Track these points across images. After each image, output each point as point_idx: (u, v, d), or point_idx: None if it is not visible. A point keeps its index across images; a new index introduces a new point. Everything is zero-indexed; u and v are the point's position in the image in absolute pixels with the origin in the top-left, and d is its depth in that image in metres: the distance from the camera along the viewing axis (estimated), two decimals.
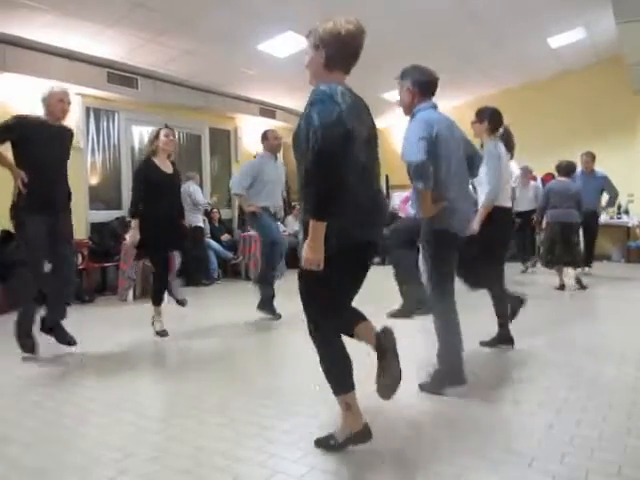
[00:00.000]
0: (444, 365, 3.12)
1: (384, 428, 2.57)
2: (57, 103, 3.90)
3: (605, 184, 7.71)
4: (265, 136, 5.49)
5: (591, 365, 3.66)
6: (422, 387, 3.15)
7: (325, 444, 2.44)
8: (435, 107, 3.13)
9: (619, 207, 9.66)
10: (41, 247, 3.85)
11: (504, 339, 3.97)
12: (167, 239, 4.62)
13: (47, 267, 4.02)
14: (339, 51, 2.26)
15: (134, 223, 4.49)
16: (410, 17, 6.61)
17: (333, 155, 2.04)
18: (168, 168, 4.68)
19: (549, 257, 6.60)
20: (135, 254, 4.93)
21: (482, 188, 3.85)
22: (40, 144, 3.81)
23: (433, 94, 3.15)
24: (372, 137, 2.38)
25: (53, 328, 4.02)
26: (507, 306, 3.95)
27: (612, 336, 4.53)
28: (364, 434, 2.37)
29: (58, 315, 4.02)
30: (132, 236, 4.46)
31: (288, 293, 6.31)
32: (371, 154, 2.36)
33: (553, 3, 7.11)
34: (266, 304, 5.29)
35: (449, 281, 3.18)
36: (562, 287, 6.63)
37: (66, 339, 4.03)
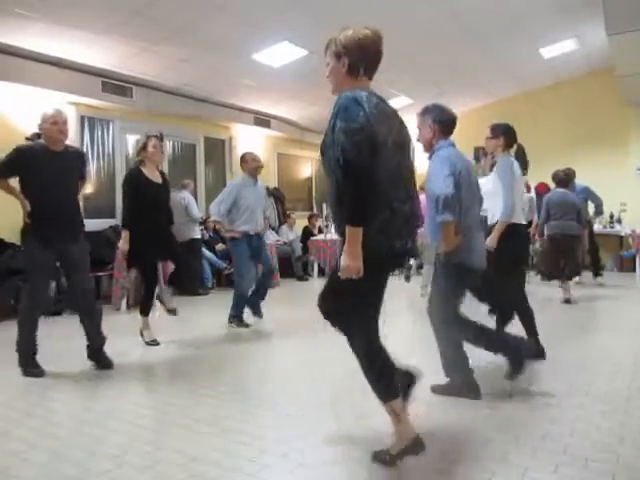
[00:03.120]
0: (457, 377, 3.20)
1: (373, 438, 2.55)
2: (51, 126, 3.74)
3: (588, 195, 7.73)
4: (244, 159, 5.49)
5: (585, 375, 3.67)
6: (436, 389, 3.23)
7: (381, 459, 2.34)
8: (454, 145, 3.23)
9: (611, 216, 9.72)
10: (42, 277, 3.78)
11: (537, 353, 3.89)
12: (155, 250, 4.58)
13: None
14: (361, 57, 2.27)
15: (124, 233, 4.47)
16: (404, 29, 6.66)
17: (361, 162, 2.01)
18: (157, 178, 4.64)
19: (551, 272, 6.54)
20: (126, 264, 4.87)
21: (493, 202, 3.82)
22: (41, 174, 3.70)
23: (452, 131, 3.25)
24: (403, 142, 2.33)
25: (94, 355, 3.98)
26: (533, 319, 3.97)
27: (606, 346, 4.55)
28: (416, 445, 2.30)
29: (96, 343, 3.97)
30: (122, 246, 4.46)
31: (279, 301, 6.35)
32: (402, 160, 2.30)
33: (545, 15, 7.19)
34: (235, 318, 5.39)
35: (458, 315, 3.22)
36: (568, 301, 6.53)
37: (106, 363, 3.97)
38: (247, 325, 5.40)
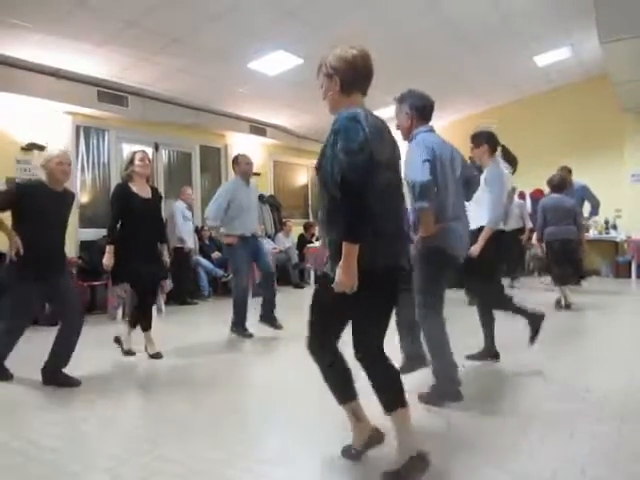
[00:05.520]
0: (441, 382, 3.16)
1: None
2: (56, 166, 3.80)
3: (585, 194, 7.67)
4: (236, 161, 5.50)
5: (581, 380, 3.67)
6: (421, 398, 3.17)
7: (347, 454, 2.48)
8: (432, 130, 3.22)
9: (607, 222, 9.76)
10: (25, 313, 3.87)
11: (491, 353, 4.06)
12: (145, 266, 4.46)
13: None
14: (352, 74, 2.29)
15: (109, 248, 4.38)
16: (397, 38, 6.71)
17: (360, 181, 2.05)
18: (146, 193, 4.55)
19: (557, 275, 6.52)
20: (111, 280, 4.78)
21: (481, 209, 3.85)
22: (41, 212, 3.74)
23: (430, 118, 3.24)
24: (394, 158, 2.36)
25: (55, 375, 3.84)
26: (493, 321, 4.04)
27: (602, 351, 4.56)
28: (376, 438, 2.45)
29: (62, 363, 3.87)
30: (106, 261, 4.38)
31: (276, 309, 6.33)
32: (394, 175, 2.34)
33: (538, 24, 7.25)
34: (238, 326, 5.34)
35: (440, 301, 3.22)
36: (562, 306, 6.50)
37: (70, 382, 3.82)
38: (250, 335, 5.28)
